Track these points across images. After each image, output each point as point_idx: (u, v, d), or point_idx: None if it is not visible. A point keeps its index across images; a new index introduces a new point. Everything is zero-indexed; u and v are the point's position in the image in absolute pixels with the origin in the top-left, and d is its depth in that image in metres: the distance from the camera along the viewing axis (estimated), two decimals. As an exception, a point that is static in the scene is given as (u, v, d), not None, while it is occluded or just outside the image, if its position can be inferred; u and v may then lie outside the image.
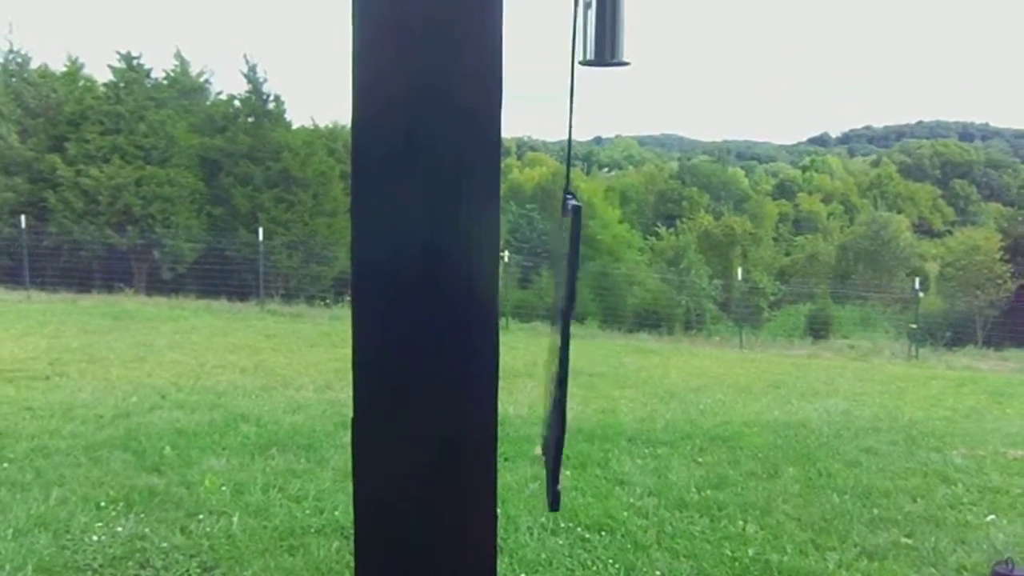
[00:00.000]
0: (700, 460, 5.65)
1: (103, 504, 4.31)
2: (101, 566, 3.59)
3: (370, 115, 0.94)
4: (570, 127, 0.99)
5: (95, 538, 3.87)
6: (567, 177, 0.96)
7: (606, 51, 0.77)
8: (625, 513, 4.47)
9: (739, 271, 22.90)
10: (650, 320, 20.93)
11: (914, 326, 16.62)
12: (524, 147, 78.56)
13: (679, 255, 34.61)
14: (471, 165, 0.96)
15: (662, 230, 39.13)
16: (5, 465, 4.91)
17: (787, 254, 46.35)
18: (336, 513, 4.30)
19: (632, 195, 52.94)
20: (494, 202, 0.96)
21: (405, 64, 0.91)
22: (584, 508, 4.51)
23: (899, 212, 50.46)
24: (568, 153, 0.99)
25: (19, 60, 23.06)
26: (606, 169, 79.50)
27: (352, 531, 3.75)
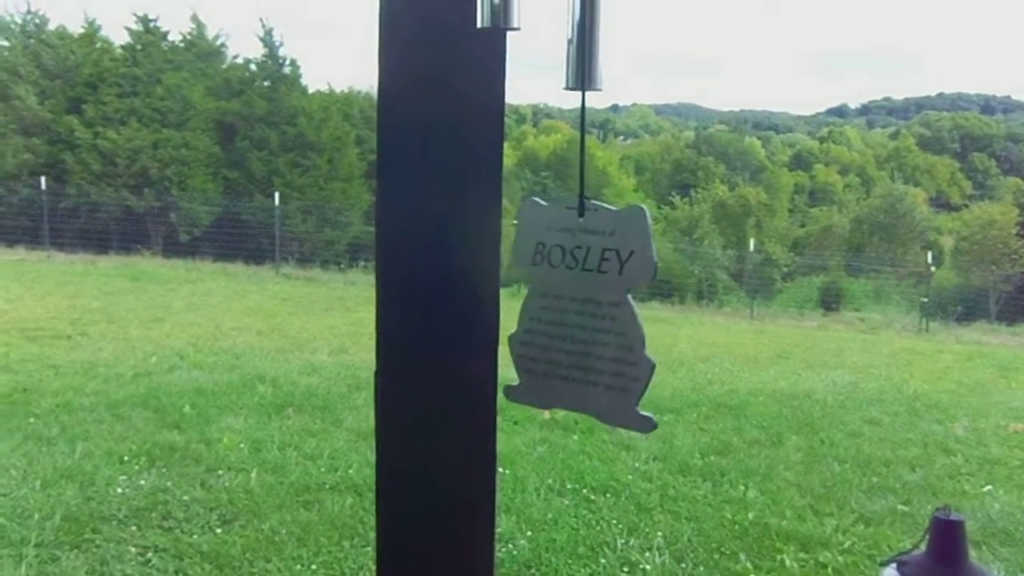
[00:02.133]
0: (705, 427, 5.77)
1: (126, 459, 4.48)
2: (126, 516, 3.76)
3: (393, 107, 1.05)
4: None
5: (119, 490, 4.04)
6: (581, 183, 1.03)
7: (585, 80, 0.86)
8: (630, 476, 4.60)
9: (751, 242, 22.84)
10: (663, 289, 20.97)
11: (925, 300, 16.61)
12: (540, 114, 78.02)
13: (693, 225, 34.53)
14: (478, 152, 1.06)
15: (677, 199, 38.98)
16: (31, 420, 5.09)
17: (802, 225, 46.12)
18: (350, 471, 4.45)
19: (647, 164, 52.67)
20: (496, 177, 1.06)
21: (422, 57, 1.00)
22: (591, 471, 4.65)
23: (917, 185, 50.08)
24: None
25: (37, 21, 23.14)
26: (622, 137, 79.00)
27: (364, 489, 3.91)
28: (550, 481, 4.45)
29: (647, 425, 1.03)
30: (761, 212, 40.08)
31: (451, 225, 1.07)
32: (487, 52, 0.94)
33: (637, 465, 4.82)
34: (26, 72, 21.56)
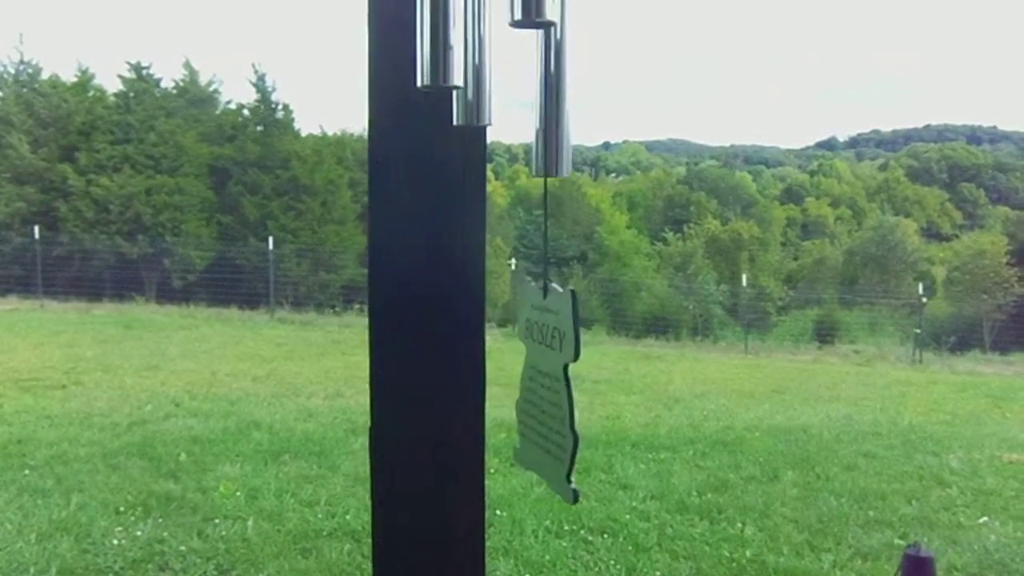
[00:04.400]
0: (702, 464, 5.78)
1: (122, 509, 4.46)
2: (122, 569, 3.74)
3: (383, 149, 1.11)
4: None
5: (115, 542, 4.02)
6: (545, 265, 1.10)
7: (551, 168, 0.91)
8: (627, 516, 4.60)
9: (744, 277, 22.96)
10: (658, 326, 21.02)
11: (918, 331, 16.68)
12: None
13: (687, 260, 34.72)
14: (465, 181, 1.13)
15: (669, 235, 39.21)
16: (27, 472, 5.07)
17: (795, 259, 46.40)
18: (347, 517, 4.44)
19: (640, 200, 53.01)
20: (481, 208, 1.13)
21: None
22: (588, 512, 4.65)
23: (907, 216, 50.40)
24: (545, 233, 1.13)
25: (30, 71, 23.39)
26: (614, 174, 79.61)
27: (362, 535, 3.90)
28: (548, 523, 4.44)
29: (570, 496, 1.11)
30: (754, 246, 40.35)
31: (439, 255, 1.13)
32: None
33: (634, 504, 4.82)
34: (19, 121, 21.74)
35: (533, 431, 1.14)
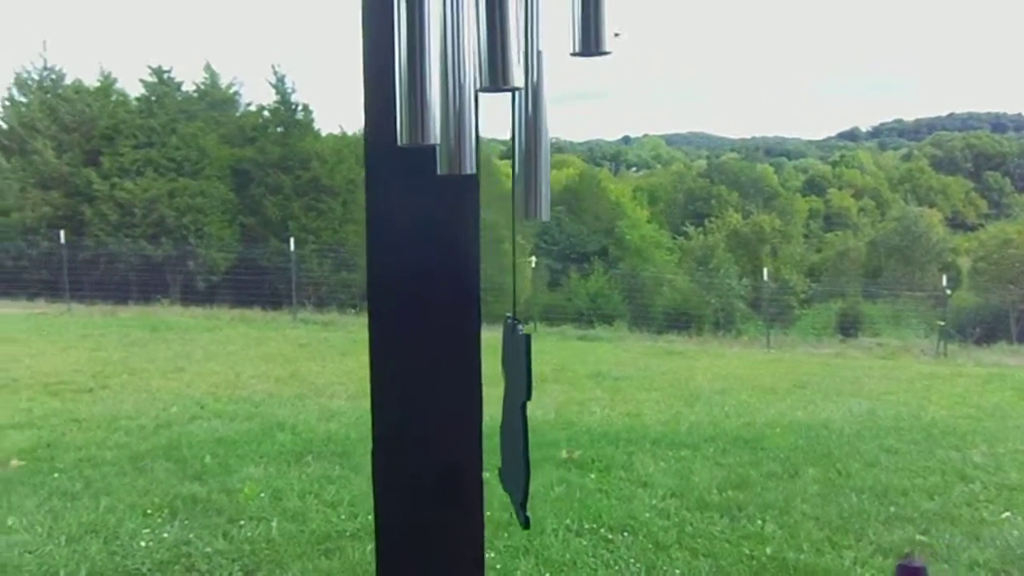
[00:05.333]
0: (722, 462, 5.78)
1: (149, 511, 4.54)
2: (150, 571, 3.82)
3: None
4: (514, 251, 1.17)
5: (143, 544, 4.10)
6: (513, 301, 1.14)
7: (531, 211, 0.94)
8: (647, 514, 4.62)
9: (766, 270, 22.79)
10: (680, 321, 20.94)
11: (942, 323, 16.50)
12: (551, 148, 78.52)
13: (708, 254, 34.54)
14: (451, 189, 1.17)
15: (691, 229, 39.02)
16: (56, 475, 5.18)
17: (818, 251, 45.98)
18: (370, 517, 4.48)
19: (660, 194, 52.77)
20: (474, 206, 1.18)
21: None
22: (608, 510, 4.67)
23: (931, 206, 49.81)
24: (514, 271, 1.17)
25: (53, 77, 23.73)
26: (634, 169, 79.29)
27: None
28: (568, 521, 4.47)
29: (524, 523, 1.18)
30: (776, 239, 40.05)
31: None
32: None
33: (654, 502, 4.84)
34: (44, 127, 22.07)
35: (506, 455, 1.19)
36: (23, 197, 21.49)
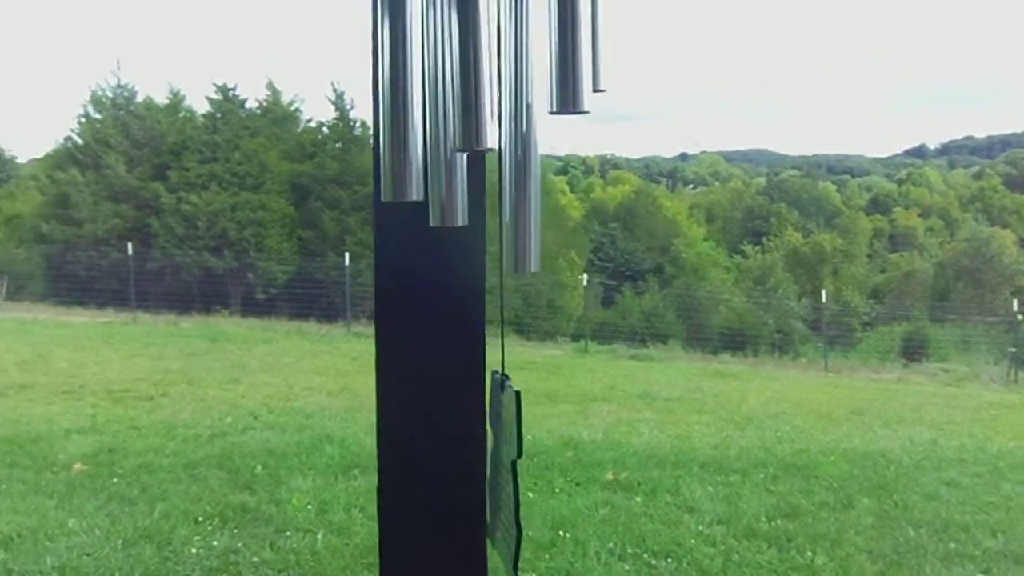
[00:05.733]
0: (772, 489, 5.66)
1: (201, 519, 4.64)
2: (199, 578, 3.90)
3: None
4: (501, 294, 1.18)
5: (194, 551, 4.19)
6: (503, 356, 1.14)
7: (521, 265, 0.94)
8: (693, 540, 4.55)
9: (823, 292, 22.30)
10: (735, 341, 20.64)
11: (1014, 350, 15.93)
12: (607, 165, 78.32)
13: (766, 273, 34.02)
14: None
15: (748, 248, 38.48)
16: (115, 480, 5.33)
17: (882, 271, 44.87)
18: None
19: (718, 212, 52.21)
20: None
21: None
22: (652, 534, 4.61)
23: (1004, 227, 48.16)
24: (502, 325, 1.18)
25: (126, 95, 24.64)
26: (691, 186, 78.58)
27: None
28: (611, 545, 4.43)
29: None
30: (838, 258, 39.24)
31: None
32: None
33: (700, 528, 4.76)
34: (116, 142, 22.91)
35: (494, 510, 1.18)
36: (96, 210, 22.32)
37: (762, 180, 64.86)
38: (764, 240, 39.91)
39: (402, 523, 1.28)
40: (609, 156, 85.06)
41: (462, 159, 0.88)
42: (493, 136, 0.80)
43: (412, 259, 1.23)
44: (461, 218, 0.88)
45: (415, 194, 0.86)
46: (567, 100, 0.83)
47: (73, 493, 5.04)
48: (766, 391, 11.15)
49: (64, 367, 9.98)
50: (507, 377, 1.14)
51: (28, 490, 5.10)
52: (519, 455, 1.08)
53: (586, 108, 0.83)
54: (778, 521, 4.93)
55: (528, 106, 0.84)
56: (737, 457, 6.49)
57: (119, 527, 4.49)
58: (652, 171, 78.22)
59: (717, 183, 73.19)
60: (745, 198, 54.22)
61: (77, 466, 5.66)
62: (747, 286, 33.03)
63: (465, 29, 0.82)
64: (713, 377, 12.55)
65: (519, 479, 1.09)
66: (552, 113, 0.82)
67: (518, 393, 1.08)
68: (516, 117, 0.83)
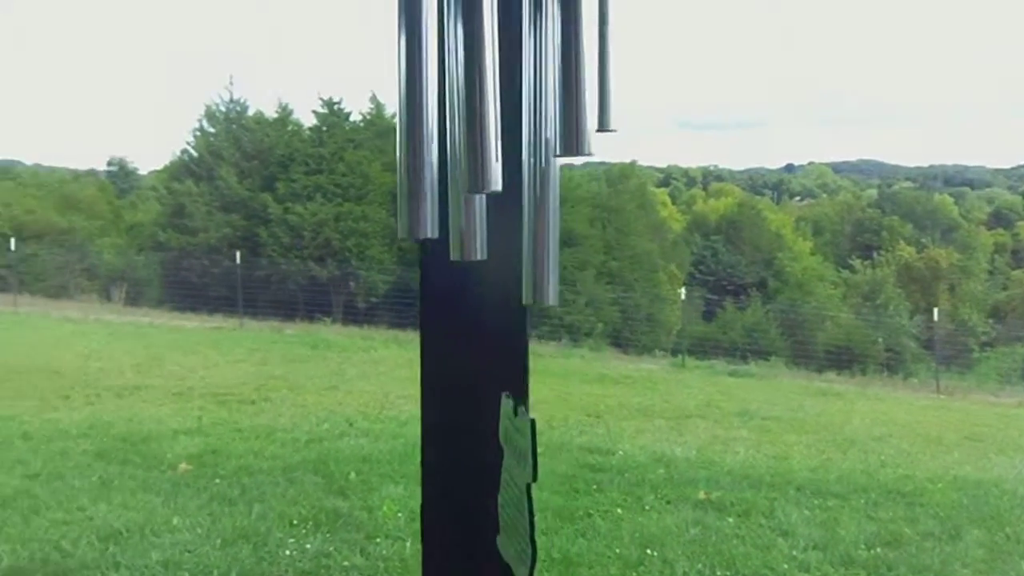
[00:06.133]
0: (874, 515, 5.42)
1: (295, 522, 4.79)
2: (291, 579, 4.02)
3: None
4: None
5: (288, 553, 4.33)
6: (526, 382, 1.13)
7: (540, 295, 0.94)
8: (786, 565, 4.40)
9: (936, 310, 21.18)
10: (842, 359, 19.89)
11: None
12: (710, 176, 76.99)
13: (876, 289, 32.72)
14: None
15: (857, 262, 37.09)
16: (217, 481, 5.57)
17: (1004, 288, 42.43)
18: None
19: (825, 225, 50.47)
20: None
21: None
22: (743, 557, 4.49)
23: None
24: (526, 350, 1.18)
25: (238, 109, 25.84)
26: (798, 198, 76.33)
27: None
28: (700, 565, 4.33)
29: None
30: (954, 274, 37.37)
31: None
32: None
33: (795, 553, 4.60)
34: (228, 154, 24.04)
35: (505, 528, 1.17)
36: (209, 219, 23.47)
37: (873, 192, 62.43)
38: (875, 255, 38.42)
39: (443, 536, 1.29)
40: (712, 168, 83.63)
41: (479, 197, 0.88)
42: (497, 179, 0.80)
43: (456, 276, 1.25)
44: (481, 252, 0.89)
45: (430, 232, 0.87)
46: (571, 145, 0.83)
47: (178, 492, 5.28)
48: (872, 412, 10.68)
49: (175, 370, 10.49)
50: (521, 402, 1.13)
51: (138, 487, 5.38)
52: (534, 479, 1.07)
53: (591, 151, 0.83)
54: (878, 549, 4.72)
55: (547, 141, 0.83)
56: (837, 481, 6.25)
57: (219, 526, 4.68)
58: (756, 183, 76.34)
59: (825, 195, 70.85)
60: (855, 211, 52.28)
61: (183, 466, 5.94)
62: (856, 302, 31.84)
63: (471, 70, 0.82)
64: (816, 396, 12.12)
65: (533, 502, 1.09)
66: (557, 156, 0.82)
67: (533, 421, 1.07)
68: (535, 153, 0.83)
